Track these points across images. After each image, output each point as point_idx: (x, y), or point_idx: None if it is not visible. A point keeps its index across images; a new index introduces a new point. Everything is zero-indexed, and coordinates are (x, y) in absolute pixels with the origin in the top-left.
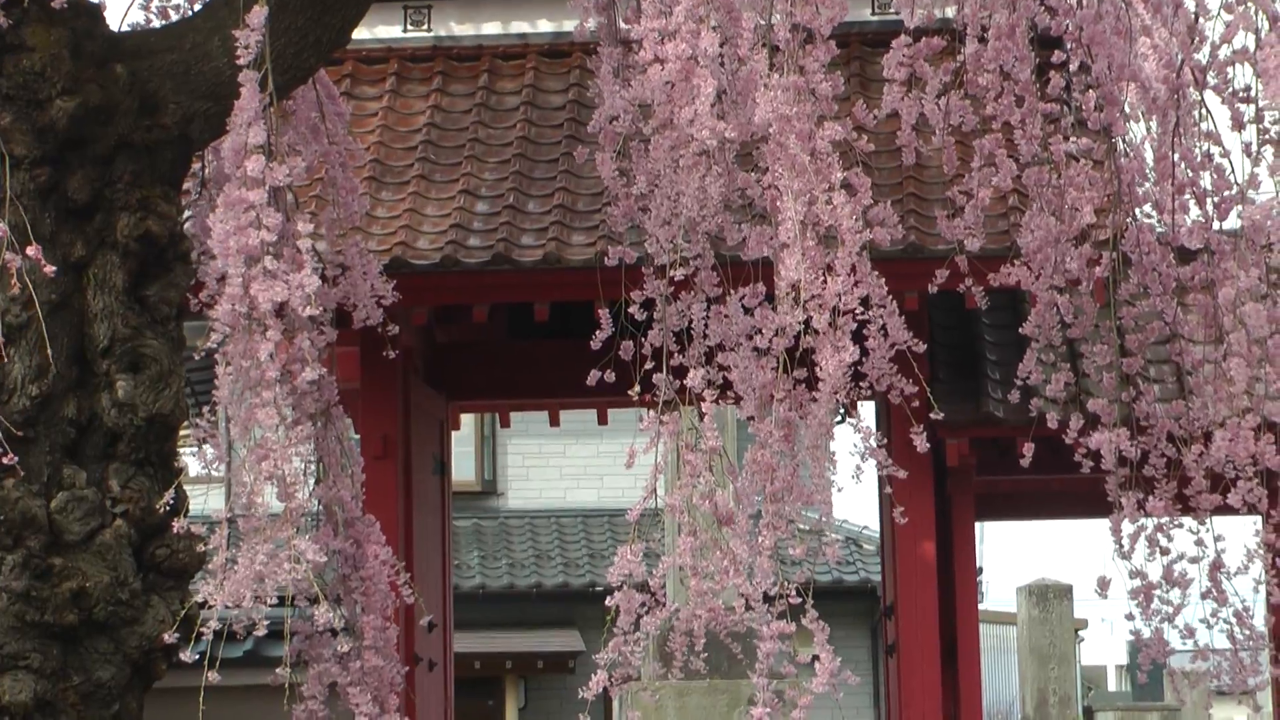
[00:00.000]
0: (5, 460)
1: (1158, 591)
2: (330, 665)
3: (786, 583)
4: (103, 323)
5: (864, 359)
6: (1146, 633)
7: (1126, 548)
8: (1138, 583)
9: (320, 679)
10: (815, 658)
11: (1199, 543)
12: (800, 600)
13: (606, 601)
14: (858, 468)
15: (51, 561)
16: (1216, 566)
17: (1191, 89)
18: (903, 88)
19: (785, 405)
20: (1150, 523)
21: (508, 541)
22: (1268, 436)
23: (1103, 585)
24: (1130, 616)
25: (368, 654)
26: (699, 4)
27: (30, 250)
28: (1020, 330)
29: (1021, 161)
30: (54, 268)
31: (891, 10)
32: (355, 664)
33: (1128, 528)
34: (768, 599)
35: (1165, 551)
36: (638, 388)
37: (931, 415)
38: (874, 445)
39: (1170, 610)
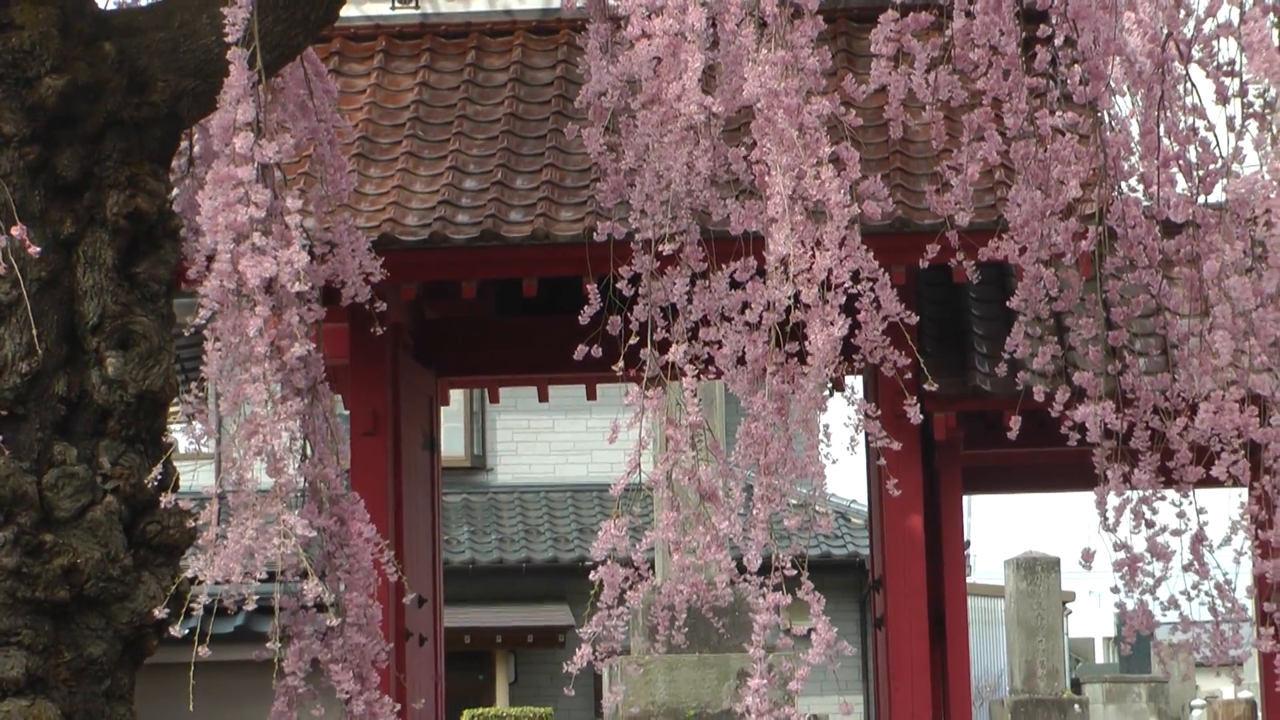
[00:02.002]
0: None
1: (1142, 564)
2: (313, 641)
3: (779, 556)
4: (92, 300)
5: (853, 333)
6: (1131, 605)
7: (1112, 520)
8: (1123, 555)
9: (302, 655)
10: (811, 630)
11: (1181, 515)
12: (796, 572)
13: (591, 575)
14: (852, 440)
15: (42, 538)
16: (1198, 539)
17: (1176, 63)
18: (890, 62)
19: (778, 378)
20: (1135, 495)
21: (497, 517)
22: (1252, 409)
23: (1087, 558)
24: (1116, 589)
25: (350, 630)
26: None
27: (15, 230)
28: (1007, 304)
29: (1008, 136)
30: (39, 247)
31: None
32: (338, 640)
33: (1113, 500)
34: (761, 571)
35: (1150, 524)
36: (621, 363)
37: (925, 387)
38: (867, 417)
39: (1151, 582)
